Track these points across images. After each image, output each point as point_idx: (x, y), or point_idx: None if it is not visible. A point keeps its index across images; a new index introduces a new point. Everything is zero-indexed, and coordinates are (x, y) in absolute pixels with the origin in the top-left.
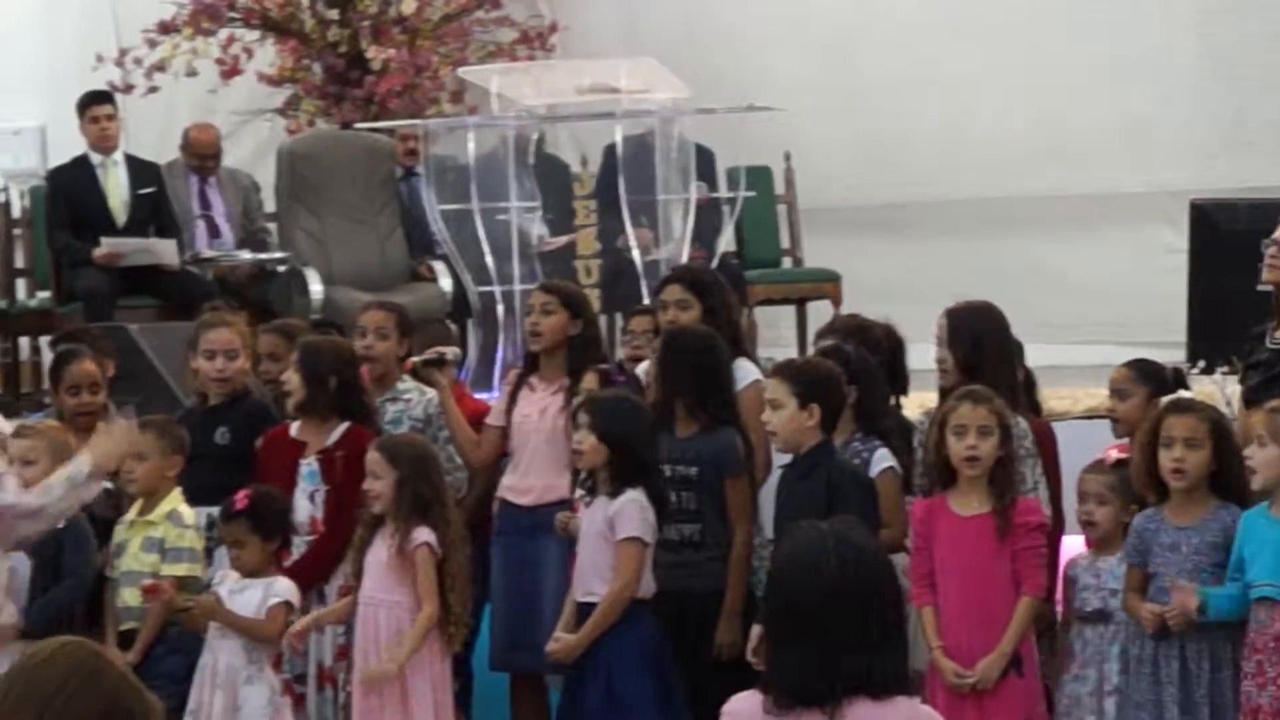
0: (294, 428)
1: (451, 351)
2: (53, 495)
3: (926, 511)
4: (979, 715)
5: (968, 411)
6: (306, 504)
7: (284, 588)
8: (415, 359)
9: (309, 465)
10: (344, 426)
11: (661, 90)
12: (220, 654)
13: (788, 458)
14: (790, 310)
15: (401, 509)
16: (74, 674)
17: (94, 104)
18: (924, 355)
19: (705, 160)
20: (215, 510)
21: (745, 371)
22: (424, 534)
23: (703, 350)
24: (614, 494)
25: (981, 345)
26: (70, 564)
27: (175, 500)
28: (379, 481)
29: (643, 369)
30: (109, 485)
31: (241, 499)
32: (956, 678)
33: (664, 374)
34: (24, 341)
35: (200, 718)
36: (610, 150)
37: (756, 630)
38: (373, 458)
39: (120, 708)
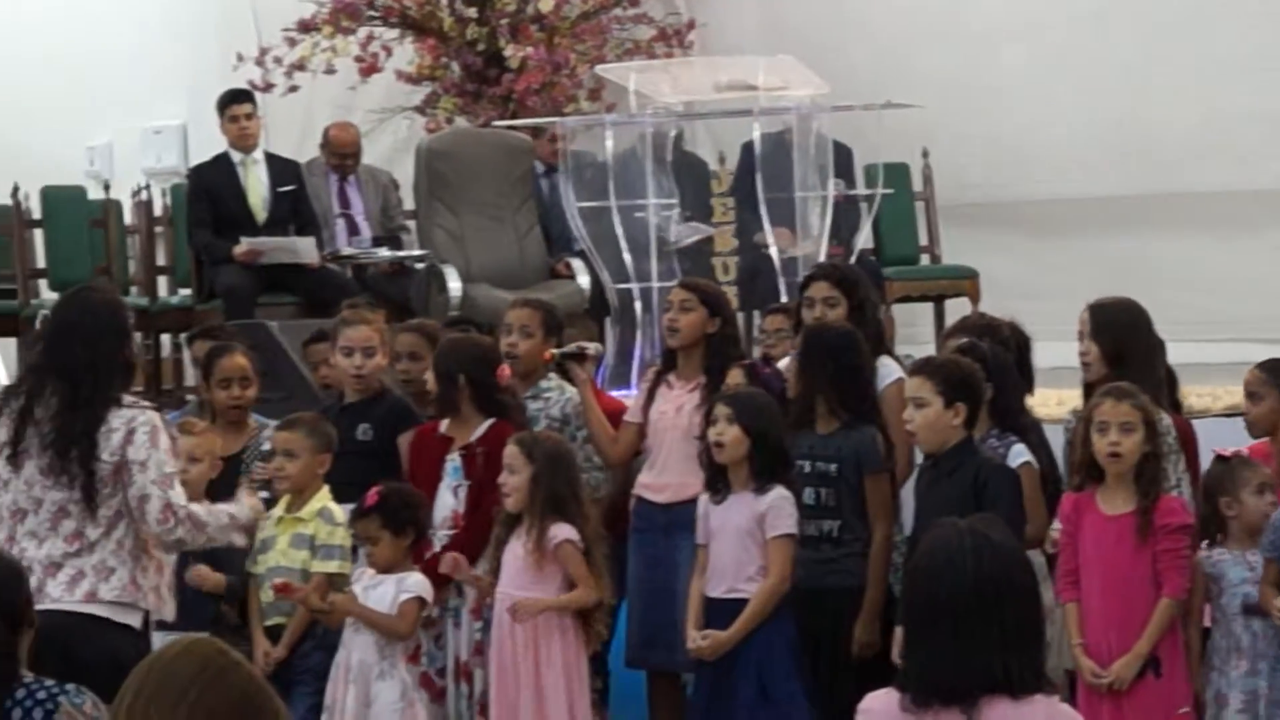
0: (443, 424)
1: (593, 347)
2: (218, 521)
3: (1074, 507)
4: (1116, 715)
5: (1110, 408)
6: (450, 499)
7: (415, 583)
8: (555, 351)
9: (453, 461)
10: (488, 423)
11: (799, 87)
12: (354, 650)
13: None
14: (927, 308)
15: (536, 505)
16: (204, 671)
17: (233, 103)
18: (1061, 352)
19: (843, 157)
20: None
21: (888, 369)
22: (566, 530)
23: (843, 347)
24: (759, 490)
25: (1126, 340)
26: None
27: (325, 498)
28: (514, 476)
29: (784, 365)
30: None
31: (372, 496)
32: (1093, 676)
33: (804, 371)
34: (165, 339)
35: (335, 714)
36: (748, 147)
37: (900, 632)
38: (509, 452)
39: (249, 705)
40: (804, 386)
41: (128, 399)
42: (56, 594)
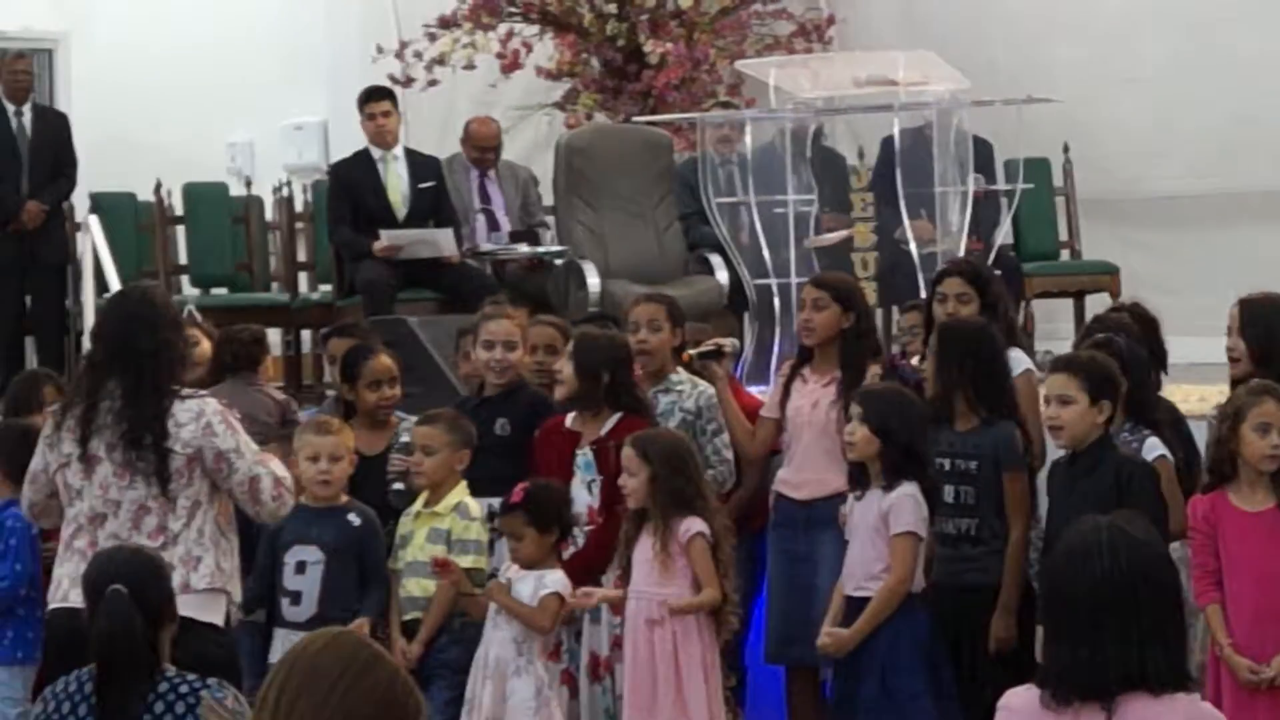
0: (569, 419)
1: (730, 343)
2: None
3: (1209, 508)
4: (1273, 713)
5: (1273, 409)
6: (584, 494)
7: (555, 579)
8: (693, 350)
9: (584, 456)
10: (617, 417)
11: (939, 82)
12: (492, 646)
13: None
14: (1067, 303)
15: (658, 504)
16: (350, 666)
17: (371, 100)
18: (1201, 347)
19: (983, 152)
20: (494, 501)
21: (1016, 361)
22: (696, 524)
23: (978, 342)
24: (887, 487)
25: (1276, 335)
26: (374, 562)
27: (461, 493)
28: (632, 479)
29: (918, 362)
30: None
31: (518, 492)
32: (1251, 674)
33: (941, 367)
34: (306, 334)
35: (474, 708)
36: (888, 142)
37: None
38: (626, 454)
39: (393, 700)
40: (941, 383)
41: (185, 390)
42: (84, 596)
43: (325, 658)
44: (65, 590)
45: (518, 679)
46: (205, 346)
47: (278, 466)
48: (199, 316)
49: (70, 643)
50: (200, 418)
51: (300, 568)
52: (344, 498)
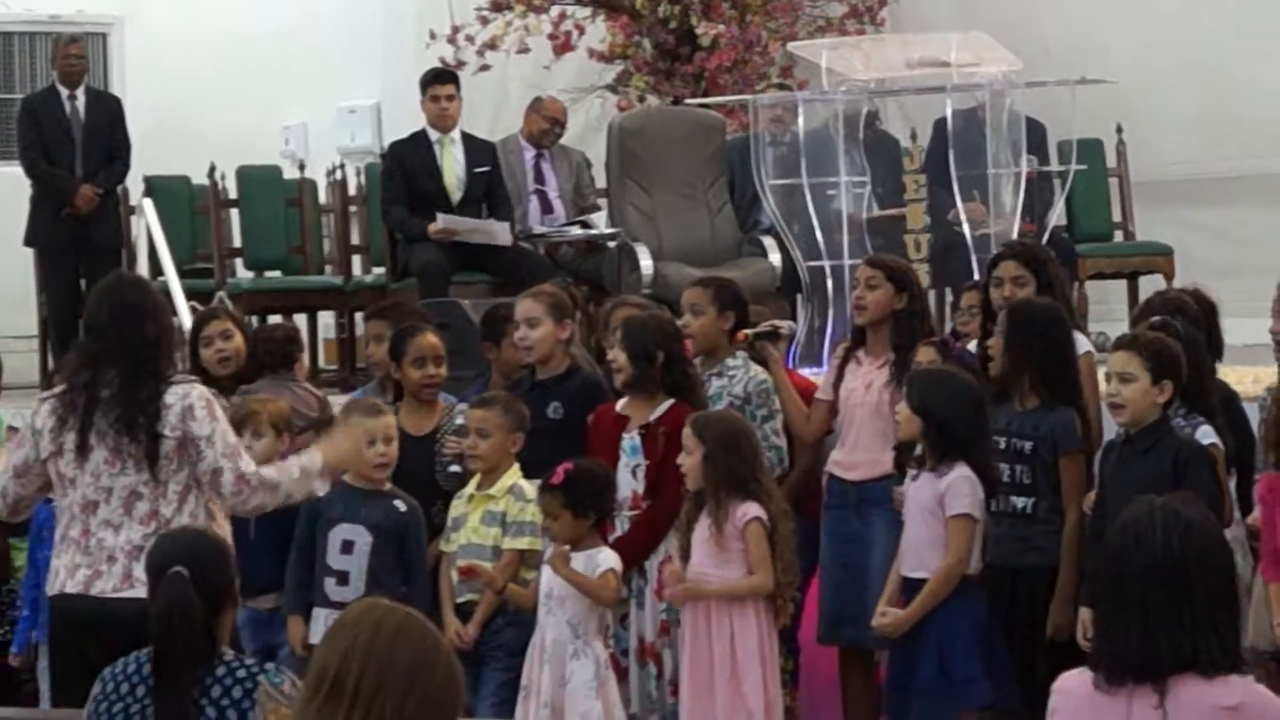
0: (620, 404)
1: (786, 325)
2: (289, 476)
3: (1267, 488)
4: None
5: None
6: (629, 479)
7: (606, 556)
8: (748, 331)
9: (631, 440)
10: (668, 402)
11: (992, 63)
12: (548, 630)
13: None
14: (1121, 284)
15: (711, 484)
16: (423, 651)
17: (435, 83)
18: (1255, 329)
19: (1036, 133)
20: None
21: (1076, 344)
22: (753, 509)
23: (1050, 323)
24: (938, 469)
25: None
26: (417, 552)
27: (515, 475)
28: (689, 457)
29: (974, 345)
30: (456, 469)
31: (559, 473)
32: None
33: (1011, 347)
34: (359, 317)
35: (531, 693)
36: (940, 124)
37: (1085, 614)
38: (685, 433)
39: (456, 678)
40: (1010, 362)
41: (176, 375)
42: (146, 577)
43: (400, 646)
44: (62, 580)
45: (576, 661)
46: (239, 340)
47: (248, 465)
48: (230, 306)
49: (67, 628)
50: (184, 400)
51: (346, 547)
52: (388, 485)
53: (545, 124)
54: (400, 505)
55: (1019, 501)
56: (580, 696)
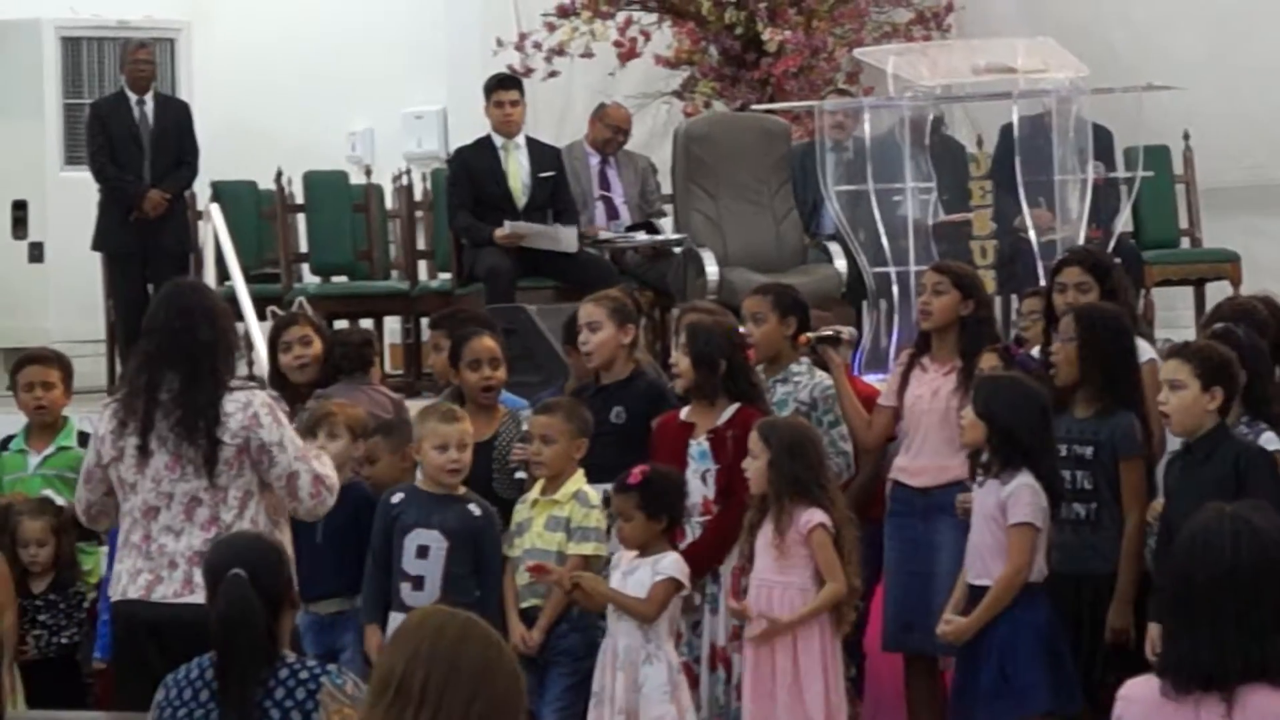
0: (684, 411)
1: (848, 331)
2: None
3: None
4: None
5: None
6: (699, 485)
7: (669, 564)
8: (810, 334)
9: (699, 446)
10: (734, 407)
11: (1059, 70)
12: (619, 636)
13: (1177, 440)
14: (1188, 291)
15: (775, 489)
16: (487, 653)
17: (499, 88)
18: None
19: (1103, 140)
20: (609, 487)
21: (1140, 351)
22: (817, 515)
23: (1114, 328)
24: (1002, 476)
25: None
26: (491, 556)
27: (580, 481)
28: (754, 461)
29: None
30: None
31: (637, 474)
32: None
33: (1083, 353)
34: (425, 322)
35: (604, 699)
36: (1007, 130)
37: (1154, 629)
38: (751, 437)
39: (516, 688)
40: (1083, 368)
41: (235, 382)
42: (204, 582)
43: (465, 650)
44: (124, 585)
45: (649, 666)
46: (318, 346)
47: (320, 465)
48: (311, 311)
49: (131, 634)
50: (248, 408)
51: (422, 552)
52: (462, 489)
53: (609, 132)
54: (475, 509)
55: (1080, 508)
56: (654, 701)
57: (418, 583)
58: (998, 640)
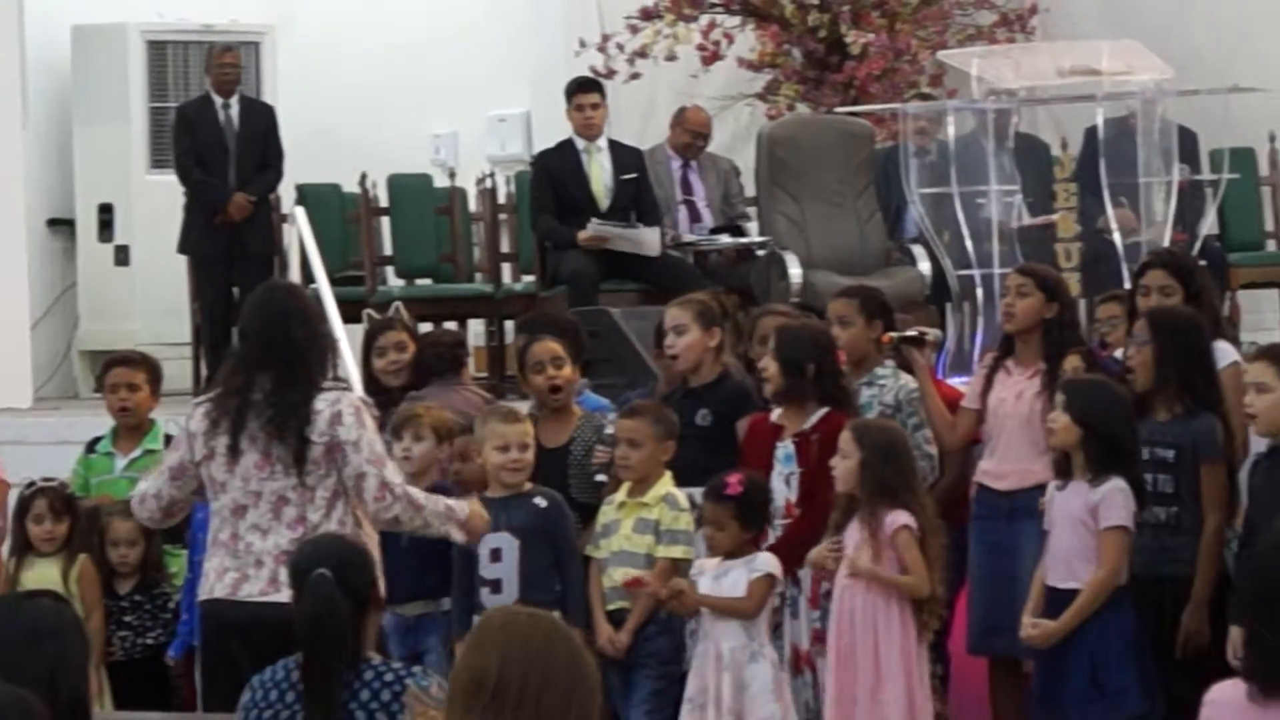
0: (774, 414)
1: (933, 333)
2: (434, 506)
3: None
4: None
5: None
6: (782, 487)
7: (763, 561)
8: (894, 334)
9: (785, 448)
10: (822, 411)
11: (1143, 72)
12: (721, 639)
13: (1263, 443)
14: (1273, 294)
15: (865, 491)
16: (574, 653)
17: (579, 92)
18: None
19: (1188, 142)
20: (694, 490)
21: (1224, 353)
22: (902, 517)
23: (1190, 331)
24: (1093, 480)
25: None
26: (566, 544)
27: (668, 483)
28: (844, 461)
29: (1120, 353)
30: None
31: (735, 484)
32: None
33: (1157, 356)
34: (509, 325)
35: (709, 702)
36: (1091, 133)
37: (1236, 633)
38: (843, 436)
39: (599, 686)
40: (1158, 371)
41: (326, 382)
42: (290, 581)
43: (557, 649)
44: (212, 583)
45: (755, 665)
46: (412, 350)
47: (393, 475)
48: (406, 316)
49: (218, 633)
50: (334, 406)
51: (495, 555)
52: (527, 485)
53: (688, 136)
54: (541, 502)
55: (1161, 512)
56: (762, 700)
57: (495, 586)
58: (1088, 644)
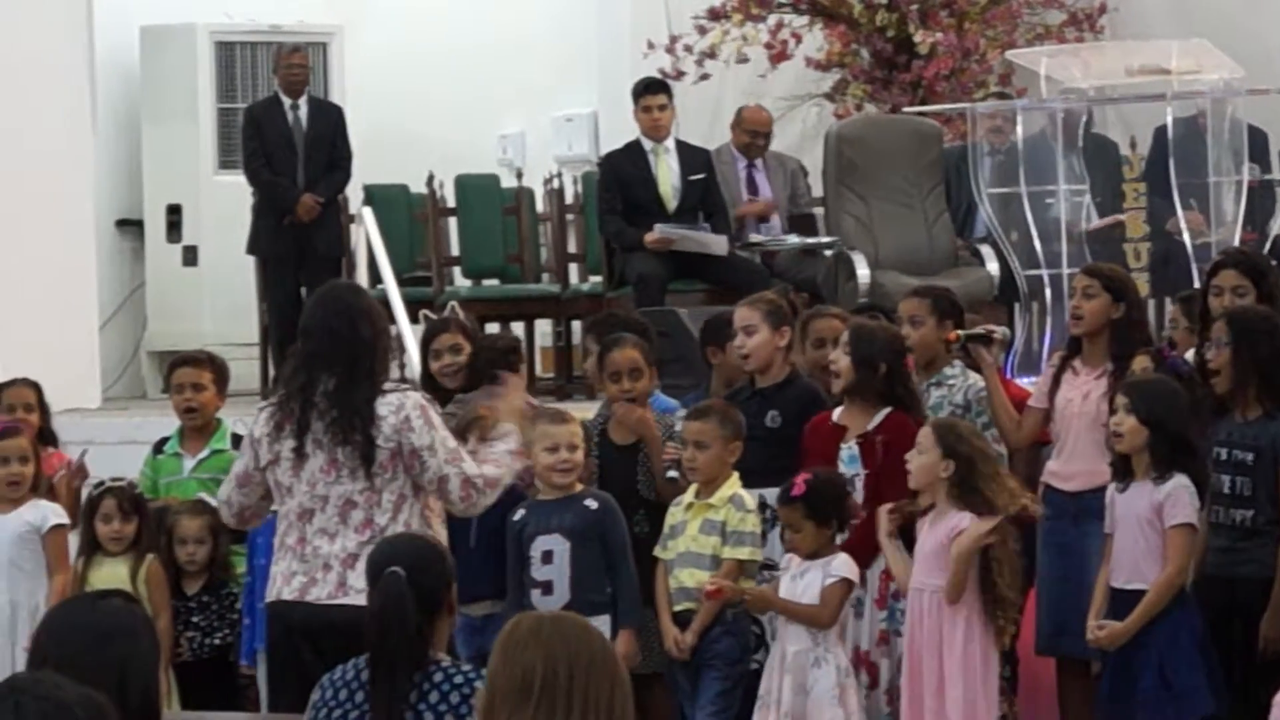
0: (836, 413)
1: (1000, 331)
2: (506, 465)
3: None
4: None
5: None
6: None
7: (839, 565)
8: (961, 332)
9: (849, 450)
10: (886, 412)
11: (1213, 71)
12: (787, 641)
13: None
14: None
15: (942, 492)
16: (604, 641)
17: (646, 93)
18: None
19: (1258, 141)
20: (763, 492)
21: None
22: (966, 519)
23: (1270, 331)
24: (1158, 479)
25: None
26: (618, 545)
27: (735, 485)
28: (920, 457)
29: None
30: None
31: (799, 484)
32: None
33: (1238, 357)
34: (576, 325)
35: (771, 703)
36: (1160, 132)
37: None
38: (923, 433)
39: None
40: (1237, 373)
41: (388, 384)
42: (360, 584)
43: (591, 642)
44: (279, 586)
45: (818, 669)
46: (468, 352)
47: (471, 467)
48: (462, 316)
49: (283, 635)
50: (400, 411)
51: (547, 557)
52: (579, 486)
53: (747, 136)
54: (591, 503)
55: (1238, 514)
56: (823, 705)
57: (546, 588)
58: (1156, 644)
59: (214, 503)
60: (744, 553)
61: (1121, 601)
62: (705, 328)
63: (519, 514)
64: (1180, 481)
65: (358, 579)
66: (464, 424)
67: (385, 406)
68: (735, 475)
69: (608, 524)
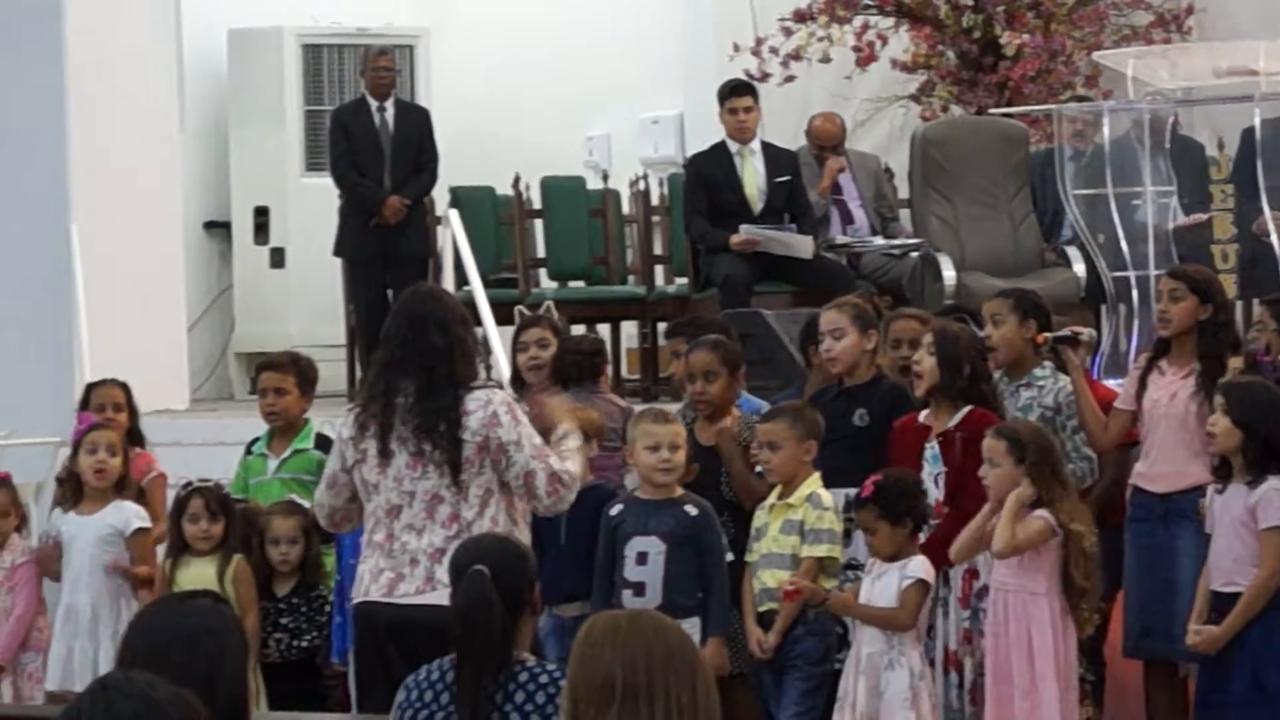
0: (922, 415)
1: (1087, 332)
2: (578, 463)
3: None
4: None
5: None
6: (932, 488)
7: (916, 567)
8: (1048, 334)
9: (931, 449)
10: (966, 410)
11: None
12: (862, 643)
13: None
14: None
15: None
16: (681, 635)
17: (732, 95)
18: None
19: None
20: (852, 491)
21: None
22: (1036, 523)
23: None
24: (1252, 481)
25: None
26: (713, 554)
27: (814, 483)
28: (994, 470)
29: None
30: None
31: (869, 486)
32: None
33: None
34: (661, 327)
35: (847, 704)
36: (1248, 134)
37: None
38: (989, 445)
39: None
40: None
41: (475, 383)
42: (449, 579)
43: (667, 638)
44: (366, 585)
45: (890, 672)
46: (554, 348)
47: (557, 462)
48: (555, 314)
49: (372, 635)
50: (487, 406)
51: (641, 559)
52: (679, 490)
53: (815, 149)
54: (691, 510)
55: None
56: (895, 707)
57: (639, 589)
58: (1251, 648)
59: (306, 504)
60: (821, 550)
61: (1219, 605)
62: (805, 328)
63: (616, 509)
64: (1273, 484)
65: (445, 574)
66: (544, 426)
67: (473, 402)
68: (815, 474)
69: (705, 531)
